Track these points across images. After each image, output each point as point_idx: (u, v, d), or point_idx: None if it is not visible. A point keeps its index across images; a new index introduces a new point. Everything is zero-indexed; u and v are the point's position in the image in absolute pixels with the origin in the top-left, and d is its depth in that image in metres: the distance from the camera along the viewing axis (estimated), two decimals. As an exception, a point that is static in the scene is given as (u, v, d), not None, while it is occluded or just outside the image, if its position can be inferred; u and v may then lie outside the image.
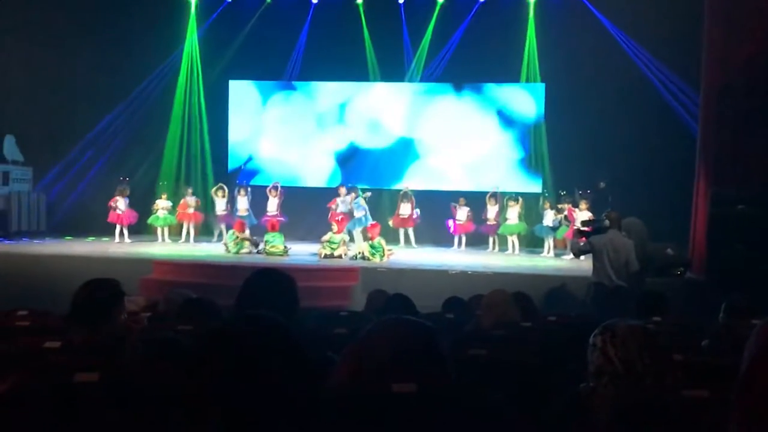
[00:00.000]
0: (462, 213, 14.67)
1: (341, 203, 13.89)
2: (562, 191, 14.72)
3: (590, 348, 2.58)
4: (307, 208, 15.61)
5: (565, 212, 13.57)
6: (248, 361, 1.77)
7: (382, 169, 16.50)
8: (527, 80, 15.76)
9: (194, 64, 16.42)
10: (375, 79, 16.56)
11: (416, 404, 1.90)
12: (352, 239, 13.35)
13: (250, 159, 16.75)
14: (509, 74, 15.85)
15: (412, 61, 16.33)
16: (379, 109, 16.63)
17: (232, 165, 16.93)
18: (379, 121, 16.59)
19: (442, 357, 2.05)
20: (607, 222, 8.13)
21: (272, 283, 3.41)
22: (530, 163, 16.04)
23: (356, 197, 13.55)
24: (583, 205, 13.38)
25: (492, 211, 14.39)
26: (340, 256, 12.56)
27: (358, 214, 13.36)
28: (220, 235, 15.12)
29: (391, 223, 14.89)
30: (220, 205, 15.07)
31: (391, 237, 14.59)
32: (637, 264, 7.97)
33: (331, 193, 14.82)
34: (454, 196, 15.01)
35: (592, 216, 11.74)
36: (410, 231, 14.95)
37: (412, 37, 16.21)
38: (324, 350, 2.63)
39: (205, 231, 15.39)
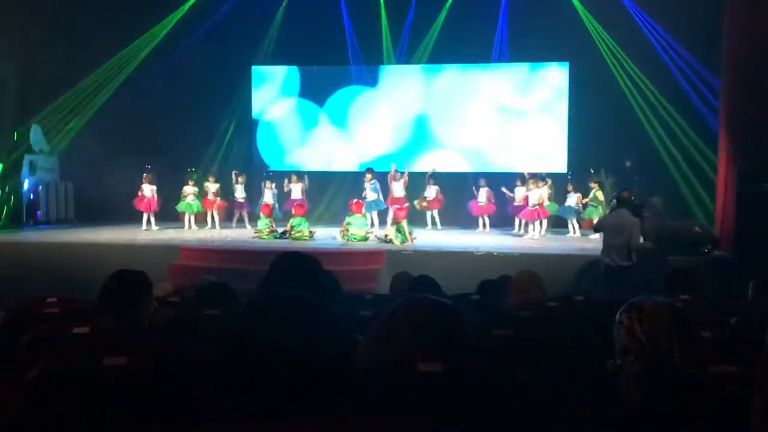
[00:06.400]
0: (483, 194, 14.62)
1: (369, 187, 13.84)
2: (591, 169, 14.72)
3: (616, 326, 2.57)
4: (334, 193, 15.73)
5: (594, 191, 13.60)
6: (278, 336, 1.78)
7: (405, 151, 16.50)
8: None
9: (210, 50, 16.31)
10: (395, 62, 16.58)
11: (442, 383, 1.91)
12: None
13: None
14: (534, 54, 15.79)
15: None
16: (402, 92, 16.61)
17: (254, 151, 17.04)
18: (402, 103, 16.58)
19: (464, 335, 2.05)
20: (614, 201, 8.19)
21: (297, 266, 3.42)
22: (555, 144, 15.91)
23: (371, 179, 13.41)
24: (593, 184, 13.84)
25: (519, 192, 14.28)
26: (365, 238, 12.56)
27: (371, 197, 13.24)
28: (240, 221, 15.21)
29: (417, 205, 14.88)
30: (239, 191, 15.13)
31: (417, 220, 14.67)
32: (640, 241, 8.03)
33: (356, 177, 14.93)
34: (476, 178, 15.02)
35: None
36: (435, 213, 14.91)
37: (426, 21, 16.17)
38: (350, 333, 2.63)
39: (230, 217, 15.46)
